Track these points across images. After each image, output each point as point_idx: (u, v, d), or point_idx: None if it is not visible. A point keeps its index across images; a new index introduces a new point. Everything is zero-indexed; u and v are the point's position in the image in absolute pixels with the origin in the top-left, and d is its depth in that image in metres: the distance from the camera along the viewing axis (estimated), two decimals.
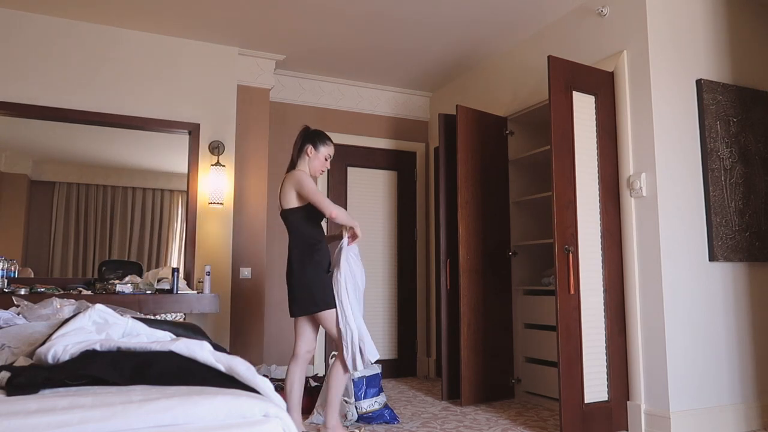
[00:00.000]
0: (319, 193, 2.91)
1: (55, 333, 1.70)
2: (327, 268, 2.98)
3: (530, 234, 4.35)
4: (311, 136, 3.08)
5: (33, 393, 1.34)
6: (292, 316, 3.01)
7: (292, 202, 2.95)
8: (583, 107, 3.39)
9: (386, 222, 5.35)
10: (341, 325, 2.91)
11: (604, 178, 3.38)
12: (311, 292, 2.92)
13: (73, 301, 2.55)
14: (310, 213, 2.97)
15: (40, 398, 1.29)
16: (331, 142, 3.15)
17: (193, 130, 4.29)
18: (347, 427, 3.34)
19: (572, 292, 3.17)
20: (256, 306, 4.52)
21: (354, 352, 2.89)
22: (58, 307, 2.44)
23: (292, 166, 3.08)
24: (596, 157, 3.39)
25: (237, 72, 4.54)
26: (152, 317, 3.33)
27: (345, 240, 3.01)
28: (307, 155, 3.06)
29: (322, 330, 4.89)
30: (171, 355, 1.56)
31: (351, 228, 2.98)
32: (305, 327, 3.08)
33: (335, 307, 2.92)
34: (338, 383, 2.98)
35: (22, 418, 1.16)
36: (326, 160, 3.11)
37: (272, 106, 4.99)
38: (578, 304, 3.20)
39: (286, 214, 2.99)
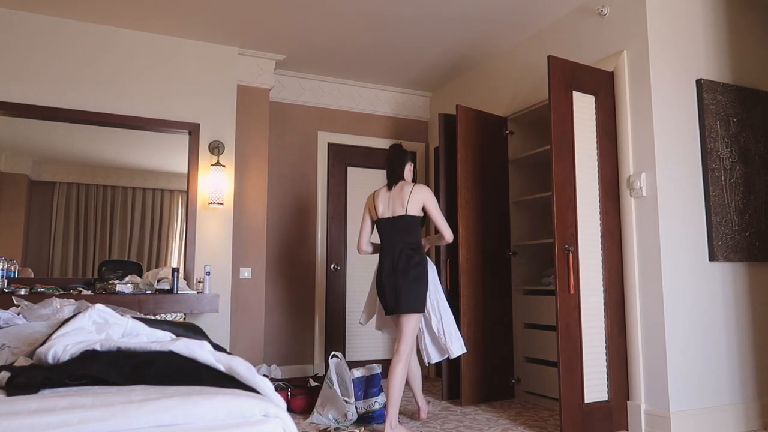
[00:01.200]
0: (442, 214, 3.35)
1: (55, 333, 1.69)
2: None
3: (530, 234, 4.35)
4: (409, 154, 3.47)
5: (33, 393, 1.34)
6: (399, 312, 3.17)
7: (418, 210, 3.28)
8: (583, 107, 3.39)
9: None
10: (445, 315, 3.36)
11: (604, 178, 3.38)
12: (426, 292, 3.23)
13: (73, 301, 2.55)
14: (423, 224, 3.34)
15: (40, 398, 1.29)
16: None
17: (193, 130, 4.29)
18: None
19: (572, 291, 3.17)
20: (256, 306, 4.52)
21: (456, 335, 3.37)
22: (58, 307, 2.44)
23: (399, 177, 3.37)
24: (596, 157, 3.39)
25: (237, 72, 4.54)
26: (152, 317, 3.33)
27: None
28: (410, 171, 3.46)
29: (312, 329, 4.94)
30: (171, 355, 1.56)
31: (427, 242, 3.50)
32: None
33: None
34: (401, 383, 3.11)
35: (22, 418, 1.16)
36: None
37: (272, 106, 4.99)
38: (578, 304, 3.21)
39: (408, 219, 3.25)
